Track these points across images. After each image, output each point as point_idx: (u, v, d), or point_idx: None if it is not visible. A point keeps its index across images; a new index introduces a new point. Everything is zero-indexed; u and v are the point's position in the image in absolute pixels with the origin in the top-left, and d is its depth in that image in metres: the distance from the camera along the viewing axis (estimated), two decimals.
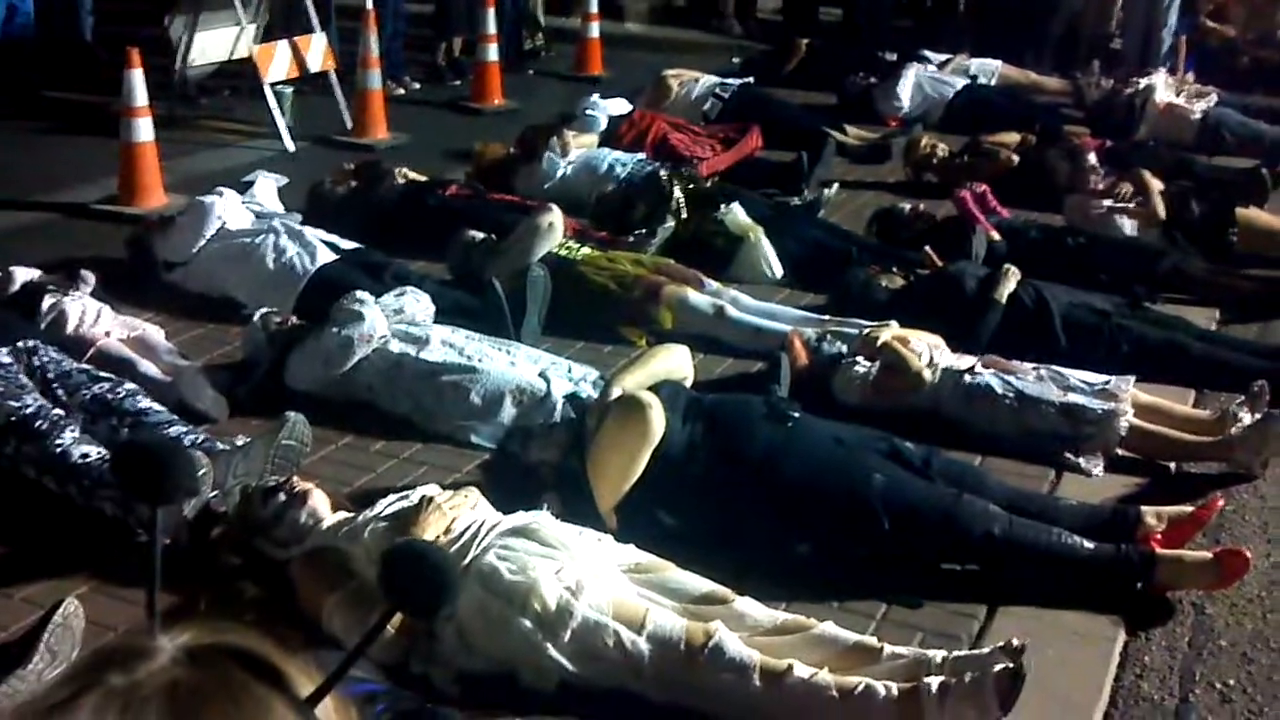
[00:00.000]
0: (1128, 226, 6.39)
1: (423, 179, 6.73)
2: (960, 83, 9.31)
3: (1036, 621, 3.36)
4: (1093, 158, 7.07)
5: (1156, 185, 6.54)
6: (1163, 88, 8.75)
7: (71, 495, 3.66)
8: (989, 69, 9.90)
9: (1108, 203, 6.51)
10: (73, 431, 3.74)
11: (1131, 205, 6.45)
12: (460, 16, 10.27)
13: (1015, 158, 7.38)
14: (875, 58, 10.16)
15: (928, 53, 9.95)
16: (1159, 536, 3.61)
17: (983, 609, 3.42)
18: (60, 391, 3.96)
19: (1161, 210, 6.37)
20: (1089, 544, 3.50)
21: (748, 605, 3.07)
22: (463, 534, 3.13)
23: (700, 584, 3.13)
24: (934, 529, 3.52)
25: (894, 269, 5.52)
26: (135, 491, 3.32)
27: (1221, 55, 10.89)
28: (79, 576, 3.41)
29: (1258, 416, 4.26)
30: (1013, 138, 7.75)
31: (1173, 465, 4.31)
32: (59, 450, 3.68)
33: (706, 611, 3.03)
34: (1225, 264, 6.09)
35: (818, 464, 3.65)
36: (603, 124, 7.89)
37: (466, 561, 3.03)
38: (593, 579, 3.01)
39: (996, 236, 5.95)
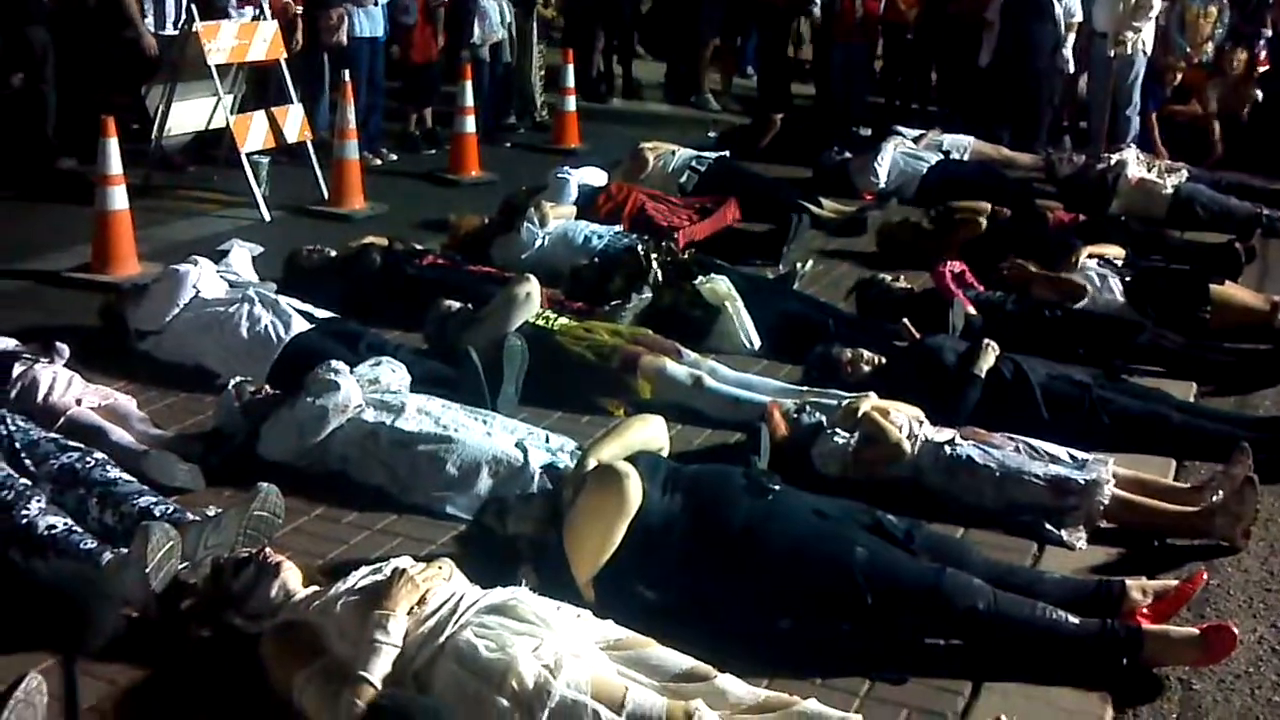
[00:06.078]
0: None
1: (383, 242, 6.61)
2: (934, 158, 9.42)
3: (1022, 698, 3.30)
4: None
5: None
6: (1134, 163, 8.87)
7: (36, 568, 3.57)
8: (962, 144, 10.01)
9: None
10: (39, 502, 3.66)
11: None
12: (432, 87, 10.34)
13: (984, 222, 7.44)
14: (849, 133, 10.29)
15: (901, 128, 10.05)
16: (1145, 611, 3.57)
17: (968, 685, 3.36)
18: (27, 461, 3.89)
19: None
20: (1074, 619, 3.45)
21: (729, 683, 3.00)
22: (438, 609, 3.06)
23: (681, 661, 3.06)
24: (918, 603, 3.46)
25: (869, 347, 5.45)
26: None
27: (1190, 133, 11.06)
28: (42, 651, 3.32)
29: (1237, 483, 4.23)
30: (984, 206, 7.78)
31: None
32: (25, 521, 3.59)
33: (687, 689, 2.96)
34: (1201, 338, 6.11)
35: (799, 537, 3.59)
36: (572, 189, 7.87)
37: (443, 638, 2.96)
38: (571, 657, 2.94)
39: (973, 311, 5.95)
